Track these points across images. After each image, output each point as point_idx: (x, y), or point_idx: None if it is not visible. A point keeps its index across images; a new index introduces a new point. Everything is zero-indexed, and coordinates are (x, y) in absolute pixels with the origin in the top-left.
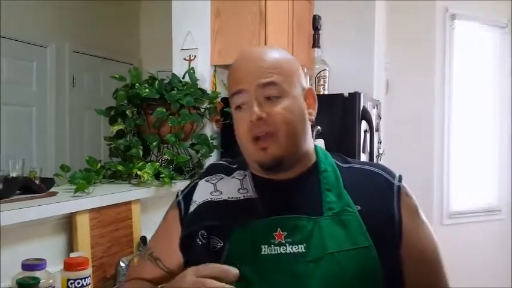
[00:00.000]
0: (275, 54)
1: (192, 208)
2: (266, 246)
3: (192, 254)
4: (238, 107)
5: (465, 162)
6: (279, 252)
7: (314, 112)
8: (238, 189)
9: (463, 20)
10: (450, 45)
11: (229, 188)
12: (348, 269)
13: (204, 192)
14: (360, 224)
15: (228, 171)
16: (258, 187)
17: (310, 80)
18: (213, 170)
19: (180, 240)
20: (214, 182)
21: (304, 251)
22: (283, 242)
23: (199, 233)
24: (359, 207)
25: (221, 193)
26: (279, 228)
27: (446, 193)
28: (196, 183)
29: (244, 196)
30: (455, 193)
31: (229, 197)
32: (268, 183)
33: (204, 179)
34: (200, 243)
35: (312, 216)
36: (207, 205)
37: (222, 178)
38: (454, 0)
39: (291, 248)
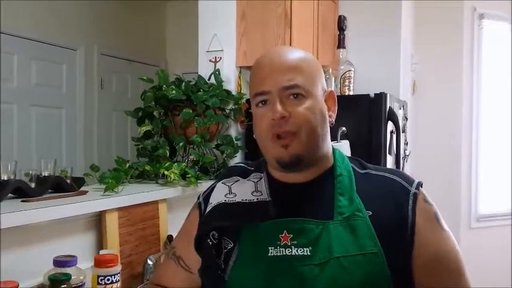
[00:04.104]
0: (297, 54)
1: (207, 210)
2: (273, 247)
3: (204, 255)
4: (260, 103)
5: (494, 164)
6: (284, 254)
7: (334, 114)
8: (252, 192)
9: (491, 19)
10: (478, 45)
11: (244, 190)
12: (354, 274)
13: (219, 194)
14: (370, 229)
15: (245, 174)
16: (272, 190)
17: (335, 80)
18: (230, 172)
19: (194, 241)
20: (229, 184)
21: (309, 254)
22: (289, 244)
23: (211, 234)
24: (370, 213)
25: (235, 195)
26: (285, 231)
27: (475, 196)
28: (215, 185)
29: (257, 198)
30: (484, 196)
31: (242, 199)
32: (283, 186)
33: (221, 181)
34: (211, 243)
35: (323, 220)
36: (220, 207)
37: (237, 180)
38: (483, 0)
39: (296, 251)
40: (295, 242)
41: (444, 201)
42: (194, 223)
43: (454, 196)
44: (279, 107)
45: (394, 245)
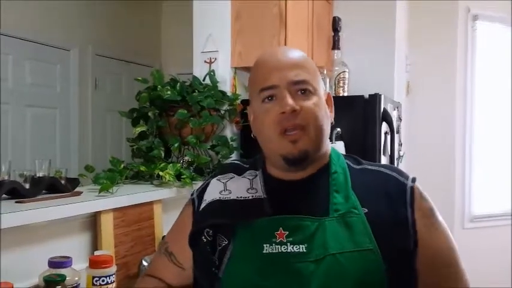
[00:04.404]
0: (298, 53)
1: (202, 206)
2: (268, 245)
3: (198, 252)
4: (266, 98)
5: (488, 165)
6: (279, 251)
7: (333, 115)
8: (248, 189)
9: (485, 20)
10: (472, 45)
11: (239, 187)
12: (349, 271)
13: (214, 191)
14: (365, 226)
15: (240, 171)
16: (267, 187)
17: (329, 81)
18: (225, 169)
19: (189, 237)
20: (224, 181)
21: (305, 251)
22: (284, 241)
23: (205, 231)
24: (366, 210)
25: (230, 192)
26: (280, 228)
27: (468, 196)
28: (210, 181)
29: (252, 196)
30: (478, 196)
31: (237, 197)
32: (279, 183)
33: (216, 178)
34: (205, 240)
35: (318, 217)
36: (214, 204)
37: (232, 177)
38: (476, 1)
39: (292, 248)
40: (291, 239)
41: (438, 202)
42: (187, 220)
43: (448, 197)
44: (290, 101)
45: (391, 243)
